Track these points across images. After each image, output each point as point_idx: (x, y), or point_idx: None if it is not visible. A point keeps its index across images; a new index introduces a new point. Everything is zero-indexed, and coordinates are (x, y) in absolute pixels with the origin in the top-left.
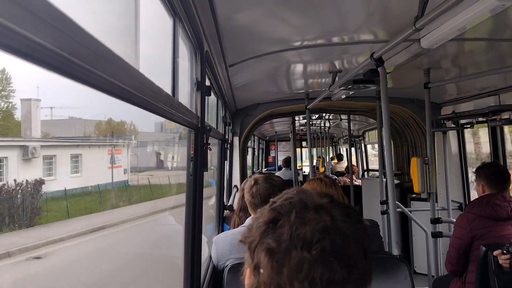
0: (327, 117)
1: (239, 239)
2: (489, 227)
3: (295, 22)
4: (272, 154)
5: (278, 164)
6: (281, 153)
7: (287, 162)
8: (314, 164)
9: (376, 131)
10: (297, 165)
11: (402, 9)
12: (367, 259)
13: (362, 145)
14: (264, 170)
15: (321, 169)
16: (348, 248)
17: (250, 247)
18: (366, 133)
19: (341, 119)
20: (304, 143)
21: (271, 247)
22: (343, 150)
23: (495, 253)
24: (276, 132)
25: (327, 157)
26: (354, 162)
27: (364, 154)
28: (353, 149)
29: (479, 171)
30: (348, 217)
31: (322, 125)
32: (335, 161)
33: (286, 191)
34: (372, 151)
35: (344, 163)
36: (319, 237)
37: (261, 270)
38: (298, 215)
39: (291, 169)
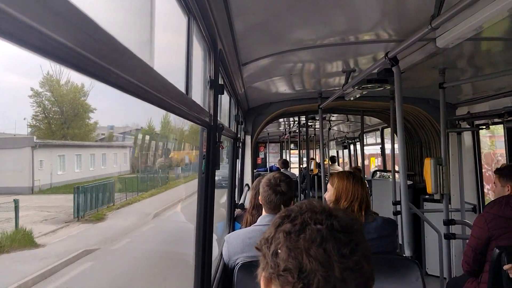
0: (327, 118)
1: (256, 246)
2: (507, 228)
3: (309, 21)
4: (261, 155)
5: (270, 165)
6: (270, 155)
7: (285, 163)
8: (306, 165)
9: (376, 132)
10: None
11: (417, 8)
12: (366, 242)
13: (358, 146)
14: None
15: (315, 171)
16: (351, 228)
17: (266, 242)
18: (363, 134)
19: (348, 119)
20: (291, 145)
21: (288, 229)
22: (332, 152)
23: (505, 267)
24: (268, 134)
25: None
26: (346, 164)
27: (361, 156)
28: (346, 150)
29: (502, 171)
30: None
31: (317, 127)
32: (328, 162)
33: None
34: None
35: (337, 165)
36: (326, 218)
37: (279, 251)
38: (308, 210)
39: (289, 171)
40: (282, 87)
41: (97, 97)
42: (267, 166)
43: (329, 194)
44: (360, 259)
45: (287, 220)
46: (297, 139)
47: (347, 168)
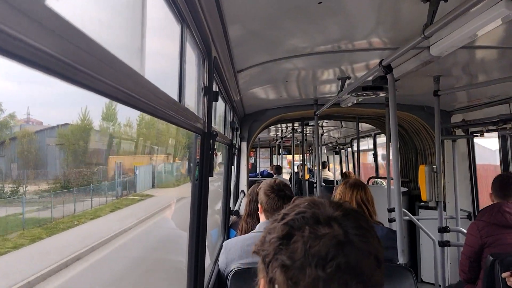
0: (320, 124)
1: (253, 250)
2: (499, 235)
3: (304, 29)
4: (251, 160)
5: (260, 170)
6: (261, 160)
7: (278, 169)
8: (297, 170)
9: (368, 138)
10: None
11: (411, 17)
12: (380, 268)
13: (350, 152)
14: None
15: (307, 176)
16: (362, 262)
17: (264, 261)
18: (354, 140)
19: (341, 125)
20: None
21: (286, 264)
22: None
23: (503, 275)
24: (259, 139)
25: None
26: (337, 170)
27: (354, 161)
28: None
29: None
30: (361, 229)
31: (309, 132)
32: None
33: (297, 203)
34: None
35: (327, 171)
36: (334, 253)
37: (276, 286)
38: (311, 231)
39: (281, 176)
40: (277, 94)
41: None
42: (258, 171)
43: None
44: None
45: (285, 247)
46: (288, 144)
47: (337, 173)
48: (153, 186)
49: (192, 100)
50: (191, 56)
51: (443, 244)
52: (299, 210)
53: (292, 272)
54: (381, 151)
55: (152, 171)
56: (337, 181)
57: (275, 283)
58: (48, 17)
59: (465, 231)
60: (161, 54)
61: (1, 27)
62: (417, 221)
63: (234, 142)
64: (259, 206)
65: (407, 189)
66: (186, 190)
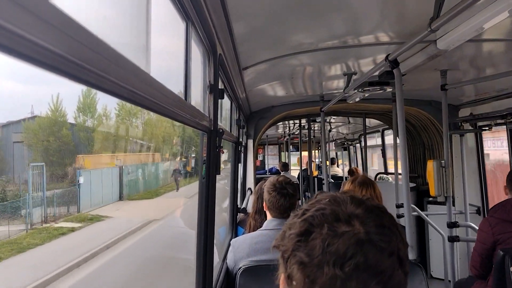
0: (328, 120)
1: (272, 245)
2: None
3: (309, 24)
4: (259, 157)
5: (269, 167)
6: (269, 157)
7: (285, 166)
8: (305, 167)
9: (376, 133)
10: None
11: (417, 10)
12: (402, 268)
13: (358, 148)
14: None
15: (315, 173)
16: (381, 262)
17: (283, 256)
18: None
19: (349, 121)
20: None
21: (304, 261)
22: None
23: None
24: (267, 136)
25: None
26: (346, 166)
27: (362, 157)
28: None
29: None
30: (383, 227)
31: (317, 128)
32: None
33: (319, 199)
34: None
35: (336, 167)
36: (353, 252)
37: (294, 283)
38: (330, 228)
39: (289, 173)
40: (283, 90)
41: None
42: (266, 168)
43: None
44: None
45: (304, 244)
46: (296, 141)
47: (346, 169)
48: (120, 198)
49: (197, 98)
50: (196, 53)
51: (453, 239)
52: (319, 207)
53: (309, 269)
54: (389, 147)
55: (119, 176)
56: (345, 177)
57: (293, 279)
58: (54, 15)
59: (475, 226)
60: (167, 52)
61: (6, 25)
62: (425, 216)
63: (241, 139)
64: (264, 203)
65: (415, 185)
66: (172, 202)
